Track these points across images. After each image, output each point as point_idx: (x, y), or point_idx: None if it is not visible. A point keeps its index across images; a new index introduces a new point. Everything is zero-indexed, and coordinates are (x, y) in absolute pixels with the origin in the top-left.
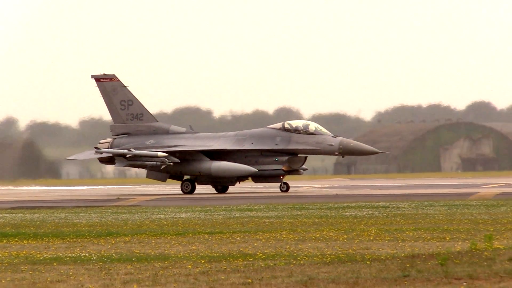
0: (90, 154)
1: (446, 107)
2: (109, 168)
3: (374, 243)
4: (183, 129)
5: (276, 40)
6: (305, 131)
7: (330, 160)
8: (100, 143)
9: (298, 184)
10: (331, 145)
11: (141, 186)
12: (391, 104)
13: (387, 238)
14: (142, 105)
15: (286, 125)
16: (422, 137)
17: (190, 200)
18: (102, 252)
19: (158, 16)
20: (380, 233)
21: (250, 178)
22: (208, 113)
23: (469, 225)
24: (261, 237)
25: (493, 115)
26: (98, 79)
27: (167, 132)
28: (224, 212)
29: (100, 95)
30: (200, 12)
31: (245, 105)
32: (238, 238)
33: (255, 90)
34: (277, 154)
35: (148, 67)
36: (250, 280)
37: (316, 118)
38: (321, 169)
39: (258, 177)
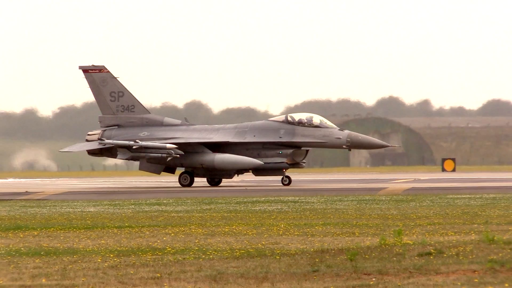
0: (83, 146)
1: (355, 102)
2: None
3: (284, 237)
4: (178, 121)
5: (190, 34)
6: (310, 124)
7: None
8: (88, 134)
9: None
10: (339, 138)
11: (88, 182)
12: (301, 99)
13: (296, 233)
14: (133, 96)
15: (289, 118)
16: None
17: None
18: (11, 246)
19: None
20: (289, 228)
21: (250, 171)
22: None
23: (379, 220)
24: (170, 232)
25: (402, 110)
26: (86, 70)
27: (161, 124)
28: (133, 206)
29: (88, 86)
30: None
31: (152, 99)
32: (147, 232)
33: (163, 83)
34: (280, 147)
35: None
36: (159, 275)
37: (225, 113)
38: None
39: (259, 170)
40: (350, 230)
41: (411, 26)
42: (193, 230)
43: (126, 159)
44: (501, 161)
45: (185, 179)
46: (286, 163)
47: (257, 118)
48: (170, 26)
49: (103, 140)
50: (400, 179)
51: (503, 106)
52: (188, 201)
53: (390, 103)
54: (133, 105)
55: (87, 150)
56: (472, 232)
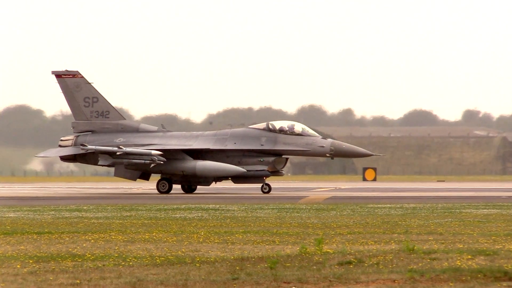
0: (59, 151)
1: (277, 111)
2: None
3: (204, 245)
4: (155, 128)
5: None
6: (291, 132)
7: None
8: (62, 140)
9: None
10: (322, 146)
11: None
12: (222, 106)
13: (216, 241)
14: (108, 102)
15: (270, 125)
16: None
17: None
18: None
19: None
20: (209, 235)
21: (230, 178)
22: None
23: (299, 228)
24: (90, 238)
25: (323, 119)
26: (59, 75)
27: (136, 130)
28: (53, 212)
29: (61, 91)
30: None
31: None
32: (67, 239)
33: None
34: (261, 154)
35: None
36: (78, 281)
37: (146, 119)
38: None
39: (238, 178)
40: (271, 238)
41: (332, 34)
42: (113, 237)
43: (107, 165)
44: (421, 171)
45: (163, 186)
46: (268, 170)
47: (178, 125)
48: None
49: (86, 146)
50: (321, 188)
51: (424, 116)
52: (109, 207)
53: (312, 112)
54: (107, 111)
55: (60, 156)
56: (392, 241)
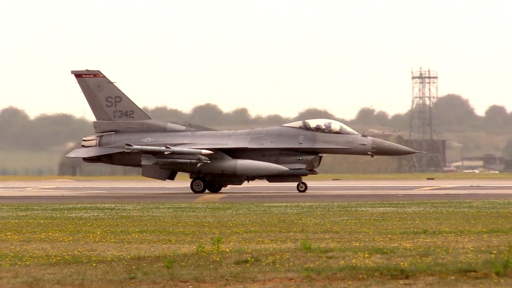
0: (89, 151)
1: (173, 110)
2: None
3: (100, 244)
4: (182, 127)
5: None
6: (329, 130)
7: (55, 160)
8: (84, 140)
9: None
10: (364, 144)
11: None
12: None
13: (112, 240)
14: (132, 101)
15: (307, 124)
16: None
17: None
18: None
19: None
20: (106, 235)
21: (264, 178)
22: None
23: (195, 227)
24: None
25: (219, 118)
26: (79, 75)
27: (164, 130)
28: None
29: (81, 91)
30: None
31: None
32: None
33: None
34: (298, 153)
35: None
36: None
37: (41, 119)
38: (46, 170)
39: (274, 177)
40: (167, 238)
41: (225, 34)
42: (9, 237)
43: (149, 164)
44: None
45: (198, 185)
46: (306, 169)
47: (73, 125)
48: None
49: (131, 145)
50: None
51: (319, 115)
52: (4, 207)
53: (207, 111)
54: (132, 110)
55: (83, 157)
56: (288, 240)
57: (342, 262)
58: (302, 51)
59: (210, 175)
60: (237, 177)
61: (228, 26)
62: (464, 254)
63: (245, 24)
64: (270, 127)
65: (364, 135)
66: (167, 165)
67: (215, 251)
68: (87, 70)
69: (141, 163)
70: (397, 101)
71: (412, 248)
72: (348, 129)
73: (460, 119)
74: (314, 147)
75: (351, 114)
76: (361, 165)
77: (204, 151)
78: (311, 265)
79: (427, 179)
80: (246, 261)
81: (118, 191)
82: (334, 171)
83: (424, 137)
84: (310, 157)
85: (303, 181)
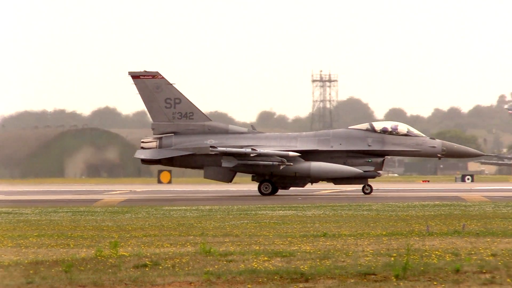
0: (159, 153)
1: (72, 113)
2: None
3: None
4: (244, 129)
5: None
6: (397, 132)
7: None
8: (143, 141)
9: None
10: (433, 147)
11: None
12: (15, 109)
13: (10, 245)
14: (191, 103)
15: (375, 126)
16: (47, 143)
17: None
18: None
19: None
20: (2, 239)
21: (328, 180)
22: None
23: (94, 231)
24: None
25: (118, 121)
26: (137, 76)
27: (226, 132)
28: None
29: (137, 92)
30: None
31: None
32: None
33: None
34: (366, 155)
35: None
36: None
37: None
38: None
39: (341, 179)
40: (65, 242)
41: (113, 39)
42: None
43: (231, 167)
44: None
45: (266, 188)
46: (375, 171)
47: None
48: None
49: (215, 147)
50: (116, 191)
51: (221, 118)
52: None
53: (107, 114)
54: (191, 112)
55: (141, 159)
56: (188, 244)
57: (242, 265)
58: (202, 54)
59: (280, 177)
60: (309, 179)
61: (129, 27)
62: (363, 257)
63: (143, 24)
64: (337, 129)
65: (432, 138)
66: (247, 167)
67: (114, 255)
68: (145, 71)
69: (222, 165)
70: (297, 104)
71: (312, 251)
72: (415, 131)
73: (360, 122)
74: (383, 149)
75: (251, 117)
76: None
77: (291, 153)
78: (211, 269)
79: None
80: (145, 265)
81: (15, 196)
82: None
83: None
84: (379, 159)
85: (368, 183)
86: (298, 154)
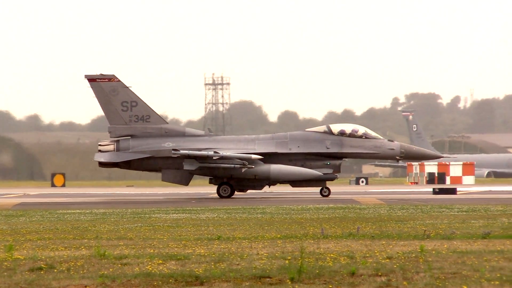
0: (119, 156)
1: None
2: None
3: None
4: (201, 132)
5: None
6: (354, 135)
7: None
8: (100, 145)
9: None
10: (392, 149)
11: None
12: None
13: None
14: (148, 106)
15: (332, 128)
16: None
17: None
18: None
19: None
20: None
21: (287, 182)
22: None
23: None
24: None
25: (11, 125)
26: (93, 79)
27: (183, 135)
28: None
29: (94, 95)
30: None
31: None
32: None
33: None
34: (324, 158)
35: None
36: None
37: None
38: None
39: (299, 181)
40: None
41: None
42: None
43: (192, 169)
44: (110, 177)
45: (225, 191)
46: (333, 174)
47: None
48: None
49: (178, 150)
50: (10, 194)
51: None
52: None
53: (0, 117)
54: (148, 115)
55: (99, 162)
56: (82, 247)
57: (137, 269)
58: (93, 58)
59: (239, 179)
60: (267, 182)
61: (23, 29)
62: (258, 260)
63: (36, 26)
64: (294, 132)
65: (391, 140)
66: (208, 169)
67: (9, 258)
68: (101, 75)
69: (184, 168)
70: (190, 107)
71: (206, 254)
72: (373, 133)
73: (254, 125)
74: (341, 151)
75: None
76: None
77: (253, 156)
78: (106, 272)
79: None
80: (41, 268)
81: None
82: (128, 179)
83: None
84: (338, 162)
85: (326, 186)
86: (261, 157)
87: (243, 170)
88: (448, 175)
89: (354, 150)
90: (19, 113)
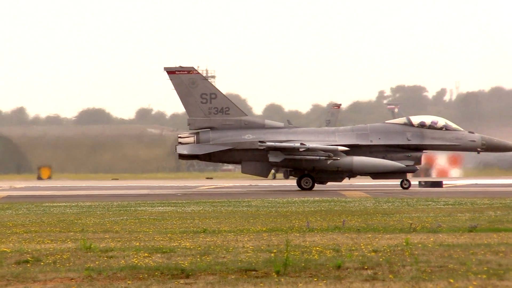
0: (202, 148)
1: None
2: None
3: None
4: (281, 124)
5: None
6: (433, 127)
7: None
8: (180, 137)
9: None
10: (473, 141)
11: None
12: None
13: None
14: (227, 98)
15: (413, 120)
16: None
17: None
18: None
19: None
20: None
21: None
22: None
23: None
24: None
25: None
26: (172, 71)
27: (263, 127)
28: None
29: (173, 88)
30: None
31: None
32: None
33: None
34: (406, 150)
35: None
36: None
37: None
38: None
39: (379, 174)
40: None
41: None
42: None
43: (277, 161)
44: (96, 170)
45: (307, 183)
46: (414, 166)
47: None
48: None
49: (264, 142)
50: None
51: (98, 115)
52: None
53: None
54: (227, 107)
55: (179, 154)
56: (69, 240)
57: (123, 261)
58: (79, 50)
59: (320, 171)
60: (347, 174)
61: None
62: (244, 253)
63: (19, 20)
64: (374, 124)
65: (471, 132)
66: (292, 161)
67: None
68: (180, 67)
69: (269, 160)
70: (175, 101)
71: (192, 247)
72: (453, 125)
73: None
74: (423, 143)
75: (130, 114)
76: (140, 165)
77: (340, 148)
78: (92, 265)
79: (206, 178)
80: (27, 261)
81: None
82: (113, 171)
83: None
84: (419, 154)
85: (407, 178)
86: (347, 148)
87: (329, 162)
88: (434, 168)
89: (435, 142)
90: (5, 106)
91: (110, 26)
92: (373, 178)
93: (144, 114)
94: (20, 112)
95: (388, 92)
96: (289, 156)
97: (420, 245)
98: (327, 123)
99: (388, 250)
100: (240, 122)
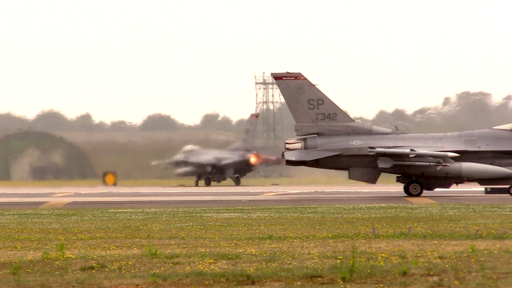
0: (310, 153)
1: (16, 117)
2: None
3: None
4: (388, 130)
5: None
6: None
7: None
8: (287, 143)
9: None
10: None
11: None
12: None
13: None
14: (334, 104)
15: None
16: None
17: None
18: None
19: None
20: None
21: (467, 180)
22: None
23: (41, 234)
24: None
25: (63, 124)
26: (279, 77)
27: (370, 133)
28: None
29: (280, 93)
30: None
31: None
32: None
33: None
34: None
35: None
36: None
37: None
38: None
39: (487, 180)
40: (12, 244)
41: (72, 38)
42: None
43: (387, 167)
44: (162, 176)
45: (415, 189)
46: None
47: None
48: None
49: (374, 148)
50: (62, 193)
51: (162, 120)
52: None
53: (51, 117)
54: (334, 113)
55: (286, 160)
56: (134, 246)
57: (188, 268)
58: (144, 56)
59: (428, 177)
60: (455, 180)
61: (67, 28)
62: (310, 260)
63: (85, 27)
64: (481, 130)
65: None
66: (401, 167)
67: (61, 257)
68: (287, 73)
69: (379, 166)
70: (241, 107)
71: (257, 253)
72: None
73: None
74: None
75: (195, 120)
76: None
77: (450, 154)
78: (157, 271)
79: (272, 184)
80: (92, 268)
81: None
82: (178, 177)
83: (268, 143)
84: None
85: None
86: (457, 155)
87: (438, 168)
88: None
89: None
90: (70, 113)
91: (177, 32)
92: (480, 184)
93: (210, 120)
94: (85, 119)
95: (453, 99)
96: (399, 162)
97: (486, 252)
98: (246, 132)
99: (454, 256)
100: (348, 128)
